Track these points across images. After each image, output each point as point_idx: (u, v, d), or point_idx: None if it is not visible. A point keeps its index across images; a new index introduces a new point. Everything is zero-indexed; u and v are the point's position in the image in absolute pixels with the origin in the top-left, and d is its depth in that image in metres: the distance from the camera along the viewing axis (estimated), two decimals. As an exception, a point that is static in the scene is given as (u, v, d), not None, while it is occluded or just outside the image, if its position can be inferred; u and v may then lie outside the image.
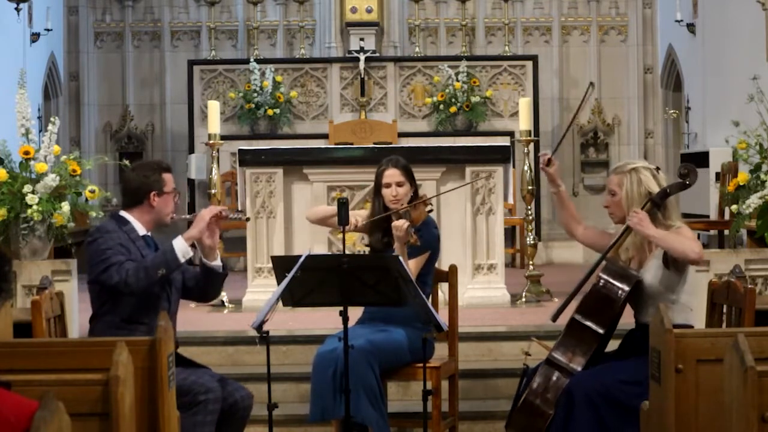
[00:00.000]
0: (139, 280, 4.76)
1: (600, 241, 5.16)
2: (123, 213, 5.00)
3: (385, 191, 5.57)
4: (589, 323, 4.80)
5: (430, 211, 5.59)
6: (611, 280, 4.82)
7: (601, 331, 4.80)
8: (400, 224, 5.30)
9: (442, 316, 5.30)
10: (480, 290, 8.06)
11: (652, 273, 4.88)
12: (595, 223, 12.28)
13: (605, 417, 4.62)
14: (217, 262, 4.98)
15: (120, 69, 12.74)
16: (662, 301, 4.60)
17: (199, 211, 5.04)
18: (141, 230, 4.98)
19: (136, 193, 4.99)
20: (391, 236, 5.42)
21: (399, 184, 5.55)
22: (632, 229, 4.86)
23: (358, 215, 5.57)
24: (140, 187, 4.98)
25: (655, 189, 4.93)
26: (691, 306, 4.94)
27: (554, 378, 4.79)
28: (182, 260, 4.83)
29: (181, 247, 4.83)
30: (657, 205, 4.89)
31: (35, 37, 11.16)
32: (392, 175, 5.56)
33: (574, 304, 4.99)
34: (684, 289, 4.88)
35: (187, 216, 5.16)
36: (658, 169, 5.02)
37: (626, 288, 4.80)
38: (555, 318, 5.04)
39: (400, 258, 5.02)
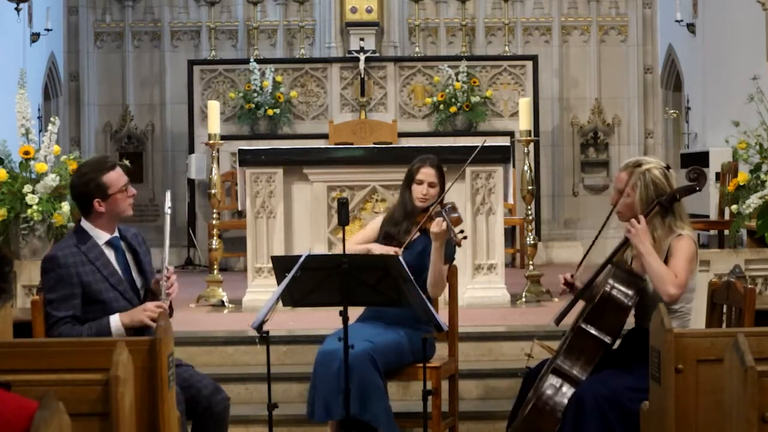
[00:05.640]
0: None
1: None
2: (82, 223, 4.77)
3: (415, 188, 5.56)
4: (596, 332, 4.74)
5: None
6: (620, 287, 4.75)
7: (608, 340, 4.75)
8: (440, 221, 5.28)
9: (442, 316, 5.29)
10: (480, 290, 8.05)
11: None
12: (593, 223, 12.45)
13: (613, 424, 4.58)
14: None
15: (120, 69, 12.73)
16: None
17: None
18: (103, 237, 4.75)
19: (82, 203, 4.76)
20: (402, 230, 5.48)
21: (431, 185, 5.55)
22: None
23: (389, 250, 5.45)
24: (83, 196, 4.73)
25: (667, 190, 4.84)
26: (690, 314, 4.90)
27: (560, 386, 4.73)
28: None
29: (116, 328, 4.65)
30: (665, 209, 4.84)
31: (35, 37, 11.16)
32: (428, 174, 5.55)
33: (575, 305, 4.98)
34: (684, 297, 4.84)
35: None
36: (668, 167, 4.94)
37: (635, 295, 4.75)
38: (558, 321, 5.01)
39: (400, 258, 5.02)
